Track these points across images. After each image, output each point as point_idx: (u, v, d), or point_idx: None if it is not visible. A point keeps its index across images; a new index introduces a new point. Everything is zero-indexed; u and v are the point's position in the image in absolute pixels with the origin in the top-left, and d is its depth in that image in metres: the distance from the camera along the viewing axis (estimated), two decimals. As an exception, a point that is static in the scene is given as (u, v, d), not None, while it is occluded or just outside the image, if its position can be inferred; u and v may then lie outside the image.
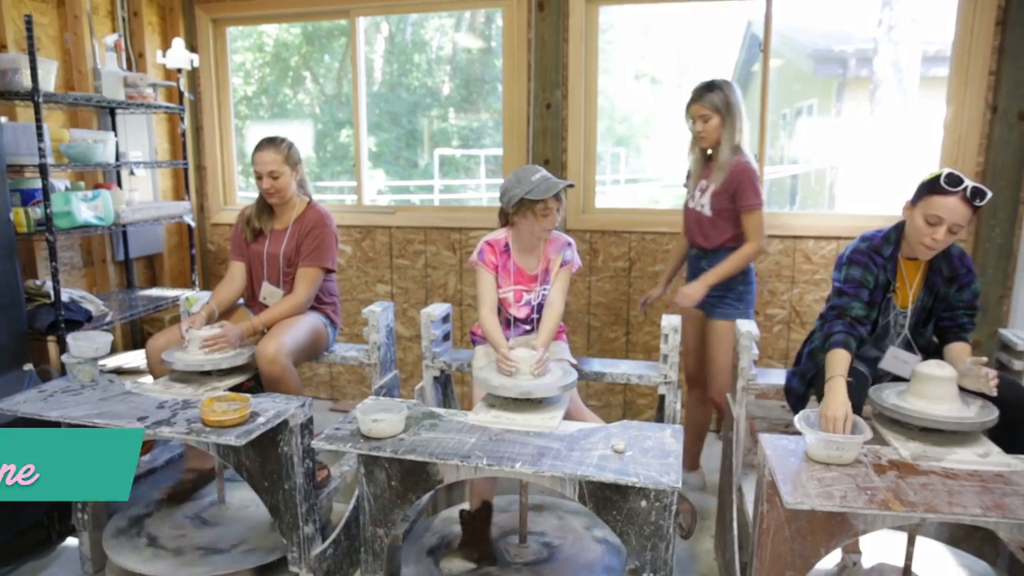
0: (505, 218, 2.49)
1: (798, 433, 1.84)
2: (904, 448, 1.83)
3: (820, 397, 2.20)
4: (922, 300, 2.15)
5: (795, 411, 2.30)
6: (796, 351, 3.50)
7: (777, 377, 2.47)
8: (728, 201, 2.72)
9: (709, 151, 2.82)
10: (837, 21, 8.00)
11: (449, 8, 6.12)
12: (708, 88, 2.73)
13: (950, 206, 1.93)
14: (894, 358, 2.15)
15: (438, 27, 8.49)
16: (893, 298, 2.15)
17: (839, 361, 1.97)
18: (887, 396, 1.98)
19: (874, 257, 2.13)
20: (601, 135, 3.69)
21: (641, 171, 9.46)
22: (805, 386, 2.26)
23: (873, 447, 1.85)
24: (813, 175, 7.83)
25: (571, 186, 2.42)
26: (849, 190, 7.12)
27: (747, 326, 2.40)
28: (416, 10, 4.48)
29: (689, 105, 2.77)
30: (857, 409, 1.90)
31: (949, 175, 1.95)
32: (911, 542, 2.06)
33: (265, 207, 2.81)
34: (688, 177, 2.93)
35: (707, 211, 2.78)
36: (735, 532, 2.30)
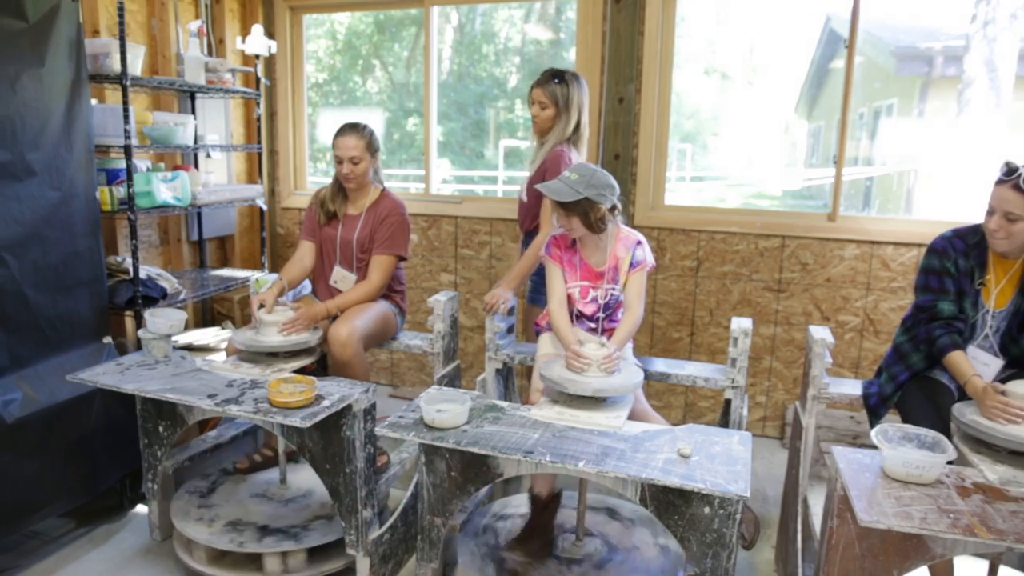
0: None
1: (870, 446, 1.76)
2: (991, 471, 1.73)
3: (904, 409, 2.11)
4: (1015, 303, 2.06)
5: (874, 415, 2.22)
6: (868, 360, 3.39)
7: (849, 387, 2.37)
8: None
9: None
10: (924, 17, 7.64)
11: (522, -1, 6.05)
12: (555, 77, 2.73)
13: (999, 194, 1.97)
14: (974, 359, 2.06)
15: (507, 18, 8.47)
16: (983, 293, 2.06)
17: (962, 363, 1.99)
18: (973, 414, 1.87)
19: (954, 242, 2.12)
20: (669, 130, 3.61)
21: (707, 169, 9.27)
22: (894, 387, 2.18)
23: (956, 468, 1.76)
24: (895, 178, 7.51)
25: (565, 204, 2.22)
26: (929, 195, 6.80)
27: (820, 333, 2.31)
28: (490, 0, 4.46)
29: (532, 87, 2.79)
30: (941, 428, 1.81)
31: (1005, 164, 1.97)
32: (993, 571, 1.95)
33: (340, 191, 2.84)
34: None
35: (524, 196, 2.83)
36: (799, 545, 2.22)
